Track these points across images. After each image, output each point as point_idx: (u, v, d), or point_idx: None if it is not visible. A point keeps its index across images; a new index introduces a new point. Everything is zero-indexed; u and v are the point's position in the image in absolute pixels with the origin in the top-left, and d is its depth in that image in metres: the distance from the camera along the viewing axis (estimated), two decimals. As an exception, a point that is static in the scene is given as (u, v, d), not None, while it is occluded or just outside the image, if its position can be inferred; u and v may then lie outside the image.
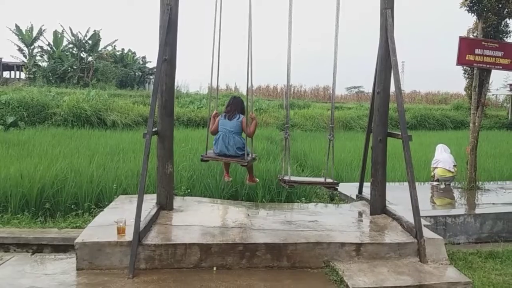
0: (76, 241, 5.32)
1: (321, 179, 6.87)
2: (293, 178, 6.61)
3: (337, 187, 6.65)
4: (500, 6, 9.39)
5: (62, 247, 6.22)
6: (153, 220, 6.08)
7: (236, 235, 5.78)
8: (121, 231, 5.47)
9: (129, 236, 5.34)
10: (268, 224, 6.44)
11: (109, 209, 6.86)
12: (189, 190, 8.26)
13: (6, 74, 43.91)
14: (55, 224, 7.02)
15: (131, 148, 11.93)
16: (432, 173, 10.43)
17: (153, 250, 5.34)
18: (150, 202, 6.64)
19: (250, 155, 6.56)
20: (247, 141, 6.53)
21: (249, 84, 6.49)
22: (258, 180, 7.55)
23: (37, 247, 6.26)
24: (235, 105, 6.73)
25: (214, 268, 5.37)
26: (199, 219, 6.48)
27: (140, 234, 5.32)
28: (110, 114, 19.07)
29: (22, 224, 6.93)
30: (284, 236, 5.81)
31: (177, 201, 7.30)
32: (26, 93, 20.26)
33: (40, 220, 7.19)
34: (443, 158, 10.27)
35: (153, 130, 6.16)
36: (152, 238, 5.55)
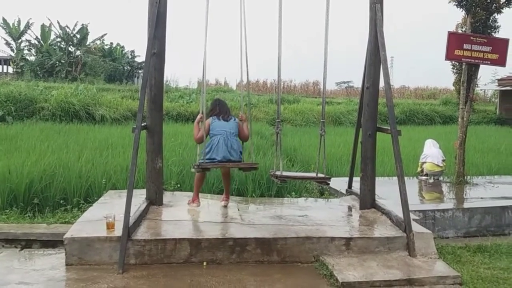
0: (65, 236, 5.29)
1: (313, 174, 6.89)
2: (285, 173, 6.61)
3: (328, 182, 6.66)
4: (489, 1, 9.43)
5: (51, 243, 6.16)
6: (142, 215, 6.06)
7: (226, 230, 5.79)
8: (110, 226, 5.44)
9: (118, 231, 5.32)
10: (258, 219, 6.45)
11: (98, 204, 6.83)
12: (178, 185, 8.23)
13: (-7, 68, 43.48)
14: (44, 219, 6.97)
15: (120, 143, 11.86)
16: (420, 168, 10.49)
17: (142, 245, 5.32)
18: (139, 197, 6.62)
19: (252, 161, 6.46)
20: (244, 144, 6.46)
21: (245, 81, 6.46)
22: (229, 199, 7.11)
23: (25, 243, 6.20)
24: (224, 106, 6.58)
25: (204, 263, 5.37)
26: (189, 214, 6.48)
27: (129, 229, 5.30)
28: (99, 109, 18.94)
29: (10, 220, 6.87)
30: (274, 231, 5.81)
31: (167, 196, 7.28)
32: (13, 87, 20.05)
33: (28, 216, 7.13)
34: (431, 153, 10.33)
35: (143, 124, 6.12)
36: (142, 233, 5.53)
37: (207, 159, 6.24)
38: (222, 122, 6.39)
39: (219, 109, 6.54)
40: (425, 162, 10.34)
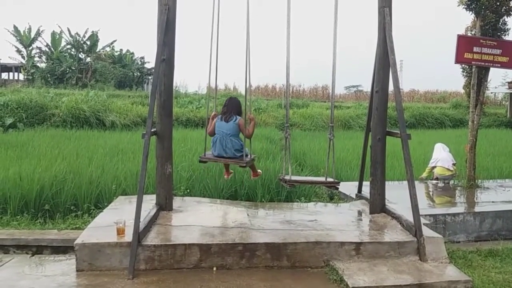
0: (75, 242, 5.31)
1: (322, 179, 6.86)
2: (294, 178, 6.60)
3: (338, 186, 6.65)
4: (498, 4, 9.38)
5: (62, 249, 6.21)
6: (152, 221, 6.07)
7: (236, 235, 5.78)
8: (120, 232, 5.46)
9: (128, 237, 5.34)
10: (267, 223, 6.44)
11: (108, 210, 6.86)
12: (188, 190, 8.25)
13: (4, 75, 43.91)
14: (55, 225, 7.01)
15: (130, 149, 11.92)
16: (426, 174, 10.44)
17: (152, 251, 5.33)
18: (149, 202, 6.64)
19: (249, 156, 6.55)
20: (246, 142, 6.52)
21: (247, 84, 6.50)
22: (261, 171, 7.59)
23: (36, 249, 6.25)
24: (231, 106, 6.67)
25: (214, 268, 5.37)
26: (199, 219, 6.48)
27: (139, 234, 5.31)
28: (109, 115, 19.07)
29: (21, 226, 6.92)
30: (283, 236, 5.80)
31: (177, 202, 7.29)
32: (24, 94, 20.25)
33: (39, 222, 7.18)
34: (442, 157, 10.27)
35: (152, 130, 6.15)
36: (152, 238, 5.54)
37: (211, 152, 6.75)
38: (222, 123, 6.53)
39: (225, 109, 6.65)
40: (435, 167, 10.29)
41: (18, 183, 7.75)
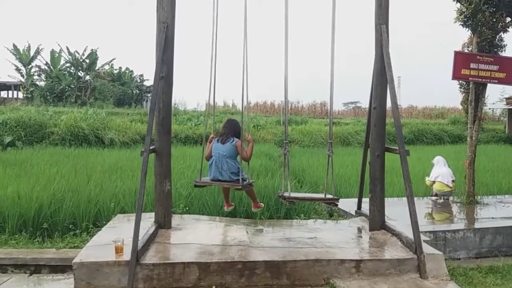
0: (74, 261, 5.28)
1: (321, 195, 6.85)
2: (293, 195, 6.59)
3: (337, 203, 6.63)
4: (495, 20, 9.45)
5: (60, 268, 6.17)
6: (151, 239, 6.04)
7: (235, 253, 5.75)
8: (119, 250, 5.43)
9: (127, 255, 5.30)
10: (267, 241, 6.41)
11: (107, 228, 6.83)
12: (187, 208, 8.22)
13: (3, 93, 44.07)
14: (53, 244, 6.98)
15: (129, 166, 11.90)
16: (430, 187, 10.42)
17: (151, 270, 5.30)
18: (148, 220, 6.61)
19: (247, 181, 6.51)
20: (243, 165, 6.51)
21: (245, 103, 6.52)
22: (262, 205, 7.46)
23: (34, 268, 6.21)
24: (229, 128, 6.67)
25: (213, 287, 5.33)
26: (198, 237, 6.44)
27: (138, 253, 5.28)
28: (108, 133, 19.07)
29: (19, 245, 6.89)
30: (283, 254, 5.77)
31: (175, 219, 7.26)
32: (23, 112, 20.27)
33: (38, 240, 7.15)
34: (442, 172, 10.26)
35: (151, 148, 6.15)
36: (150, 257, 5.51)
37: (209, 176, 6.67)
38: (219, 145, 6.54)
39: (222, 131, 6.67)
40: (435, 182, 10.27)
41: (17, 201, 7.73)
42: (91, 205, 7.90)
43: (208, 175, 6.64)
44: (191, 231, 6.79)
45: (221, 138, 6.58)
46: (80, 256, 5.42)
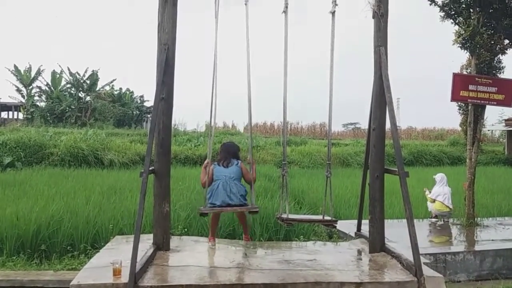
0: (71, 283, 5.23)
1: (320, 217, 6.82)
2: (291, 216, 6.56)
3: (335, 224, 6.60)
4: (493, 42, 9.55)
5: (57, 290, 6.12)
6: (149, 261, 6.00)
7: (234, 276, 5.70)
8: (117, 272, 5.38)
9: (125, 277, 5.25)
10: (266, 263, 6.36)
11: (105, 250, 6.78)
12: (186, 230, 8.19)
13: (4, 114, 44.15)
14: (51, 266, 6.94)
15: (128, 187, 11.89)
16: (430, 206, 10.39)
17: (149, 292, 5.25)
18: (146, 242, 6.57)
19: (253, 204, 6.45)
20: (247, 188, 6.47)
21: (249, 125, 6.52)
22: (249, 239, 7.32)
23: (32, 290, 6.17)
24: (226, 151, 6.62)
25: (212, 310, 5.28)
26: (196, 259, 6.40)
27: (136, 275, 5.23)
28: (108, 153, 19.08)
29: (17, 267, 6.85)
30: (282, 276, 5.72)
31: (174, 241, 7.22)
32: (23, 133, 20.31)
33: (35, 262, 7.10)
34: (444, 192, 10.23)
35: (150, 169, 6.14)
36: (148, 279, 5.46)
37: (209, 203, 6.38)
38: (222, 168, 6.45)
39: (221, 155, 6.59)
40: (435, 200, 10.23)
41: (15, 223, 7.71)
42: (90, 226, 7.88)
43: (210, 202, 6.40)
44: (190, 253, 6.74)
45: (223, 162, 6.48)
46: (78, 278, 5.38)
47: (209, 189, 6.41)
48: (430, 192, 10.60)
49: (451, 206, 10.09)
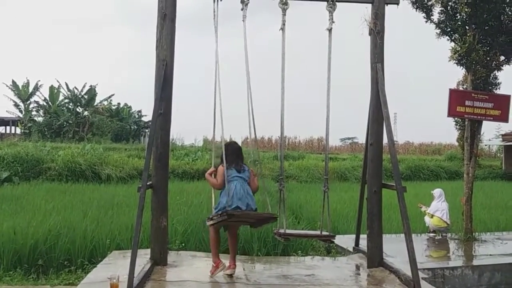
0: (68, 298, 5.22)
1: (317, 232, 6.82)
2: (289, 231, 6.56)
3: (333, 240, 6.60)
4: (488, 59, 9.61)
5: (54, 305, 6.08)
6: (146, 276, 5.98)
7: (232, 291, 5.69)
8: (114, 287, 5.37)
9: (122, 293, 5.24)
10: (264, 278, 6.35)
11: (102, 265, 6.76)
12: (183, 244, 8.15)
13: (1, 129, 44.15)
14: (48, 281, 6.89)
15: (126, 202, 11.85)
16: (428, 221, 10.37)
17: (146, 307, 5.23)
18: (143, 257, 6.55)
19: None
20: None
21: (253, 137, 6.46)
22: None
23: (28, 306, 6.12)
24: (236, 154, 6.28)
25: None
26: (194, 274, 6.38)
27: (133, 290, 5.22)
28: (105, 168, 19.02)
29: (14, 282, 6.79)
30: (280, 291, 5.71)
31: (171, 256, 7.20)
32: (21, 148, 20.27)
33: (32, 277, 7.05)
34: (442, 208, 10.23)
35: (148, 183, 6.14)
36: (146, 294, 5.45)
37: (230, 207, 5.80)
38: (235, 171, 6.12)
39: (231, 158, 6.17)
40: (433, 216, 10.22)
41: (12, 237, 7.66)
42: (87, 241, 7.83)
43: (232, 202, 5.87)
44: (187, 268, 6.73)
45: (235, 165, 6.15)
46: (75, 293, 5.36)
47: (224, 191, 5.95)
48: (424, 206, 10.61)
49: (448, 222, 10.09)
